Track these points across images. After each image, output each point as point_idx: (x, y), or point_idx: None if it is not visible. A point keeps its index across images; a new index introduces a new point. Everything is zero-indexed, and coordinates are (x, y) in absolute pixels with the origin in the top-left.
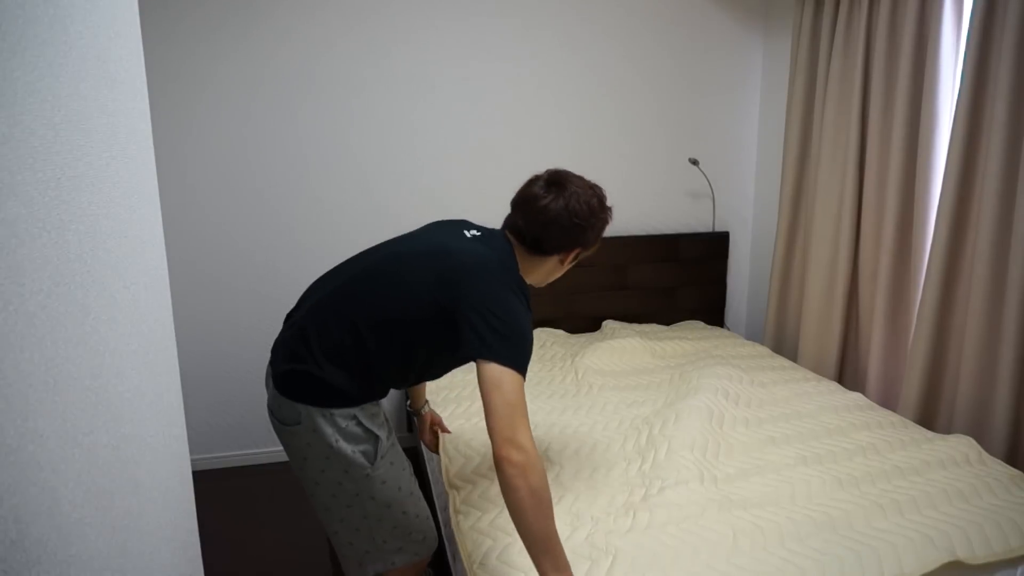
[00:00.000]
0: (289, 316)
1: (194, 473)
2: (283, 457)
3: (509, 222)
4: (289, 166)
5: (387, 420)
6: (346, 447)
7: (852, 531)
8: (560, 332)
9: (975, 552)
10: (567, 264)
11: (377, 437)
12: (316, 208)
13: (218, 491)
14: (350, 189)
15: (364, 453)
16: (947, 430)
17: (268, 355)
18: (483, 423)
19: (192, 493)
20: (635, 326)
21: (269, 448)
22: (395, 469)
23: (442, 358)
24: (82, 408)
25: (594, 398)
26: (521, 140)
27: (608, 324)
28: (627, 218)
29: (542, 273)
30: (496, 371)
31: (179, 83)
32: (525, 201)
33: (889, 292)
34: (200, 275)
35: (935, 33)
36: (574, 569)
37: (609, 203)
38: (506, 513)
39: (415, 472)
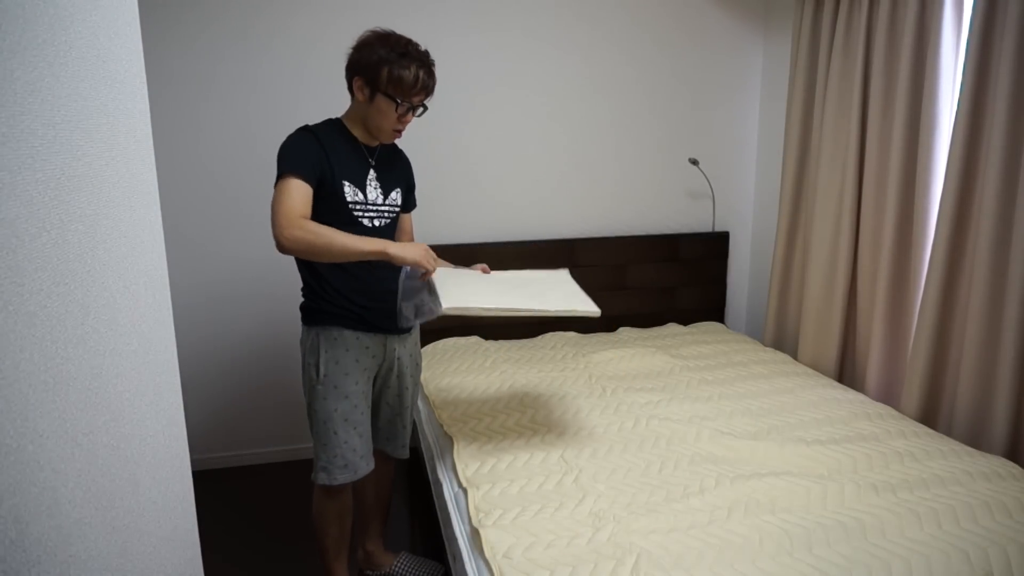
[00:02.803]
0: None
1: (194, 473)
2: (283, 457)
3: None
4: None
5: (356, 361)
6: (309, 358)
7: (884, 539)
8: (571, 334)
9: (1013, 574)
10: (365, 100)
11: (320, 357)
12: None
13: (218, 491)
14: None
15: (315, 366)
16: (947, 430)
17: (268, 355)
18: (497, 426)
19: (192, 493)
20: (651, 330)
21: (269, 448)
22: (338, 393)
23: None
24: (82, 408)
25: (607, 399)
26: (521, 141)
27: (623, 332)
28: (627, 218)
29: (361, 115)
30: (274, 189)
31: (179, 83)
32: None
33: (889, 292)
34: (200, 275)
35: (935, 33)
36: (598, 569)
37: (417, 46)
38: (529, 512)
39: (422, 479)
